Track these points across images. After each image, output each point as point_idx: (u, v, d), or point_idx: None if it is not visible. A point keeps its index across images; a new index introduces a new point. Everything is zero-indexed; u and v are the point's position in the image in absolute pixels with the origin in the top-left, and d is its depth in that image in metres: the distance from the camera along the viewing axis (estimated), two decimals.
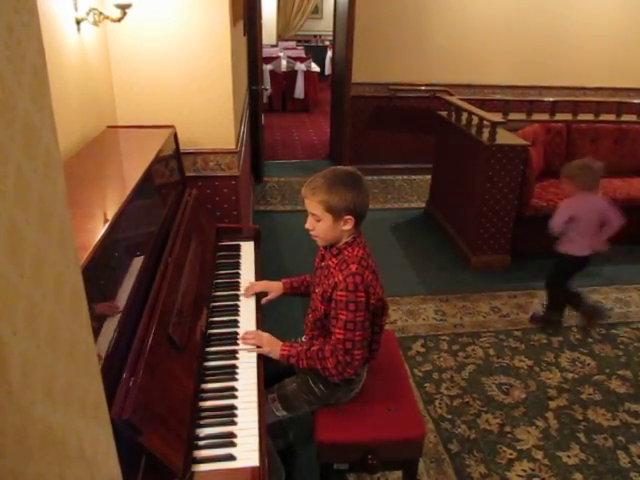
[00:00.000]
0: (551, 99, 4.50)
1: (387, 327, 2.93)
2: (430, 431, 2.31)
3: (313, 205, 1.60)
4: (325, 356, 1.59)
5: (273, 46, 10.19)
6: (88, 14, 1.92)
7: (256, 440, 1.31)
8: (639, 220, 3.99)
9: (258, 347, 1.65)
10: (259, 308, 1.87)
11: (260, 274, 2.08)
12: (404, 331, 3.02)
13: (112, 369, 1.11)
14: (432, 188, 4.71)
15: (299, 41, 11.47)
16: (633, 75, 5.70)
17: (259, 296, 1.93)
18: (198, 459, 1.23)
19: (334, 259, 1.63)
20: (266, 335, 1.69)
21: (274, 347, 1.66)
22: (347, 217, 1.57)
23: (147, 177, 1.66)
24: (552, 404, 2.51)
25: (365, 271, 1.57)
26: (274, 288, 1.93)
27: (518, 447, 2.25)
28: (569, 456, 2.22)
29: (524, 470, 2.14)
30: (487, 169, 3.51)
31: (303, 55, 9.33)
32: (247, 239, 2.29)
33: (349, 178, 1.59)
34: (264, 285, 1.95)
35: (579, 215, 2.75)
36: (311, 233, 1.66)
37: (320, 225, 1.60)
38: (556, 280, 3.05)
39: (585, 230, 2.77)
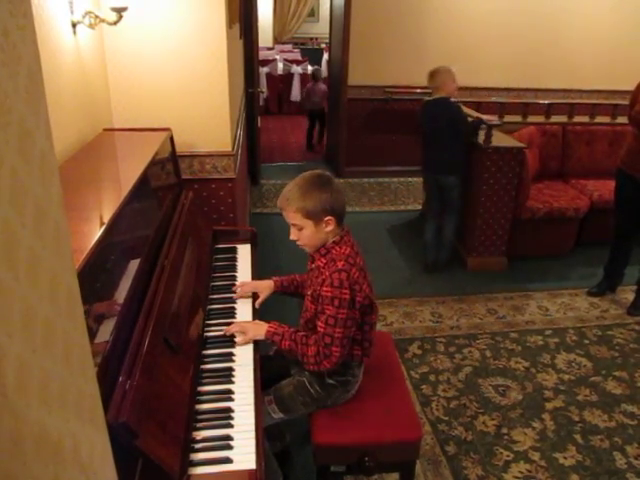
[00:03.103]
0: (546, 101, 4.52)
1: (383, 329, 2.96)
2: (427, 433, 2.31)
3: (291, 215, 1.61)
4: (308, 343, 1.61)
5: (269, 49, 10.19)
6: (84, 17, 1.91)
7: (253, 442, 1.31)
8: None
9: (244, 336, 1.67)
10: (255, 312, 1.87)
11: (257, 277, 2.07)
12: (400, 333, 3.02)
13: (108, 372, 1.11)
14: None
15: (295, 44, 11.48)
16: (628, 77, 5.68)
17: (255, 299, 1.92)
18: (195, 462, 1.23)
19: (323, 259, 1.64)
20: (249, 322, 1.73)
21: (259, 328, 1.68)
22: (327, 218, 1.59)
23: (143, 180, 1.66)
24: (548, 405, 2.51)
25: (352, 268, 1.57)
26: (264, 288, 1.92)
27: (515, 449, 2.26)
28: (565, 457, 2.22)
29: (521, 472, 2.14)
30: (483, 171, 3.52)
31: (299, 58, 9.34)
32: (243, 242, 2.28)
33: (319, 180, 1.61)
34: (253, 286, 1.94)
35: (310, 90, 6.59)
36: (298, 243, 1.67)
37: (304, 233, 1.61)
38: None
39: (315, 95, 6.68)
